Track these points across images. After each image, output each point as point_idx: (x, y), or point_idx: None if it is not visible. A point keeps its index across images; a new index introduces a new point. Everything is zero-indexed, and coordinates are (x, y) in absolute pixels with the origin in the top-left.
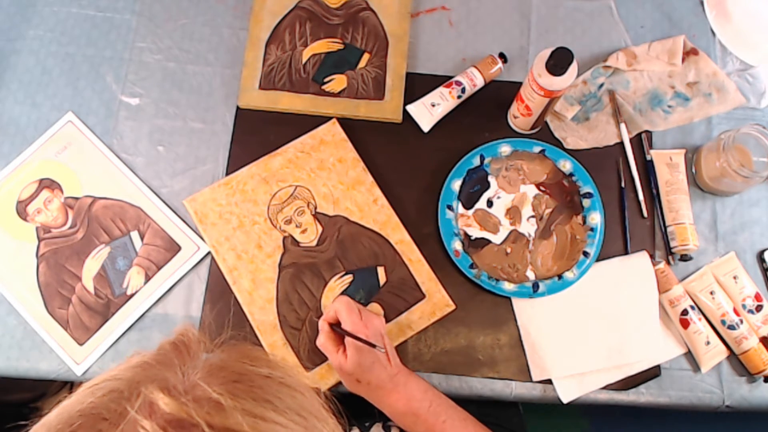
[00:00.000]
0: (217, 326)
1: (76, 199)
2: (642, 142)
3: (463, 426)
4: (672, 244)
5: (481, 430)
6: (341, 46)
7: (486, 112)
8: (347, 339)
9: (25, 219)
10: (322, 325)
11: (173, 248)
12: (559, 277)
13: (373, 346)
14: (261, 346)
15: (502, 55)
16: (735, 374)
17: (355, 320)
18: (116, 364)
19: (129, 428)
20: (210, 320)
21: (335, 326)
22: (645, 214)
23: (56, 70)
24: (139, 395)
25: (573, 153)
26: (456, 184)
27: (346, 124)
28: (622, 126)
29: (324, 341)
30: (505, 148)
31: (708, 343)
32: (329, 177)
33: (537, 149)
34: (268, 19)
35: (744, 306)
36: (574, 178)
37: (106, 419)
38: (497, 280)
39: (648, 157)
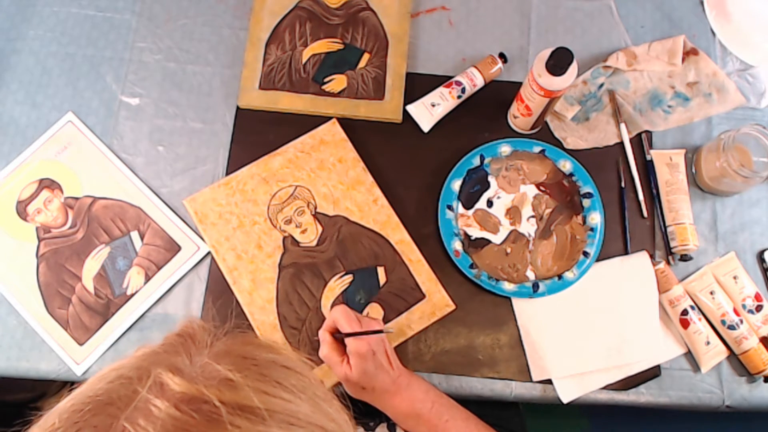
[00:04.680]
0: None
1: (76, 199)
2: (642, 142)
3: (465, 425)
4: (672, 244)
5: (483, 429)
6: (341, 46)
7: (486, 112)
8: (349, 348)
9: (25, 219)
10: (324, 335)
11: (173, 248)
12: (559, 277)
13: (378, 332)
14: None
15: (502, 55)
16: (735, 374)
17: (354, 327)
18: None
19: (141, 407)
20: (213, 316)
21: (336, 334)
22: (645, 214)
23: (56, 70)
24: (149, 377)
25: (573, 153)
26: (456, 184)
27: (346, 124)
28: (622, 126)
29: (328, 352)
30: (505, 148)
31: (708, 343)
32: (329, 177)
33: (537, 149)
34: (268, 19)
35: (744, 306)
36: (574, 178)
37: (116, 402)
38: (497, 280)
39: (648, 157)
